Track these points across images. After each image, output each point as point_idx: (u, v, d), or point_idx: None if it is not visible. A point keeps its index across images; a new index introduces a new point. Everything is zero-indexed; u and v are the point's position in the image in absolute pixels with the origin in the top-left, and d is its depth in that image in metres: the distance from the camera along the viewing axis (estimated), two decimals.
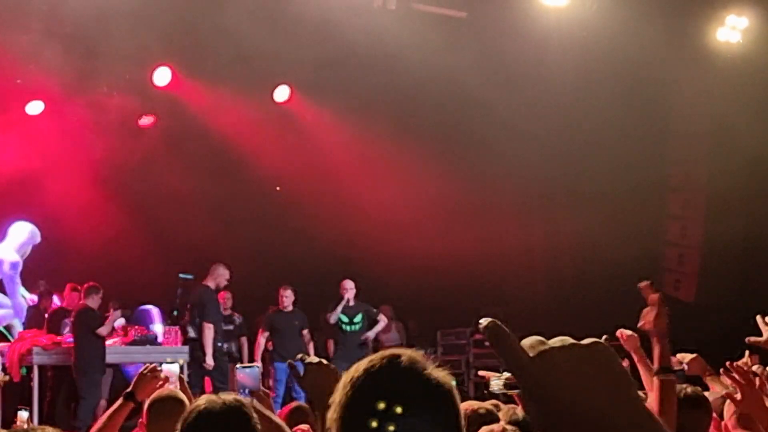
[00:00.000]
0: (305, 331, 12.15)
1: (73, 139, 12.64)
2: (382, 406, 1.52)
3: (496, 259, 14.42)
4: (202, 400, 3.15)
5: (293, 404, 5.64)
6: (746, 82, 12.92)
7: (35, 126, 12.66)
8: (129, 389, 4.28)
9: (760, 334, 4.15)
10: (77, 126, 12.60)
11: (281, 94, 13.86)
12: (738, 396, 3.64)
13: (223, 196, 13.76)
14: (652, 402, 3.36)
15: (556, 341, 1.17)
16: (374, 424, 1.51)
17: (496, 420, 4.23)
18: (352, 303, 12.29)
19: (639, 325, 3.43)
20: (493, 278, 14.55)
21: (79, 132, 12.65)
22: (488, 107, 12.64)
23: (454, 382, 1.63)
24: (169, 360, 4.92)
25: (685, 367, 5.07)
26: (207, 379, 11.40)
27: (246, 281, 12.29)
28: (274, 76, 13.42)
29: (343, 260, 13.52)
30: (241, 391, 3.76)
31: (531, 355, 1.15)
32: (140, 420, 4.25)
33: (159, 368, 4.39)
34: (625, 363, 5.08)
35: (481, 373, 5.99)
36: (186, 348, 11.52)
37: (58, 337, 11.26)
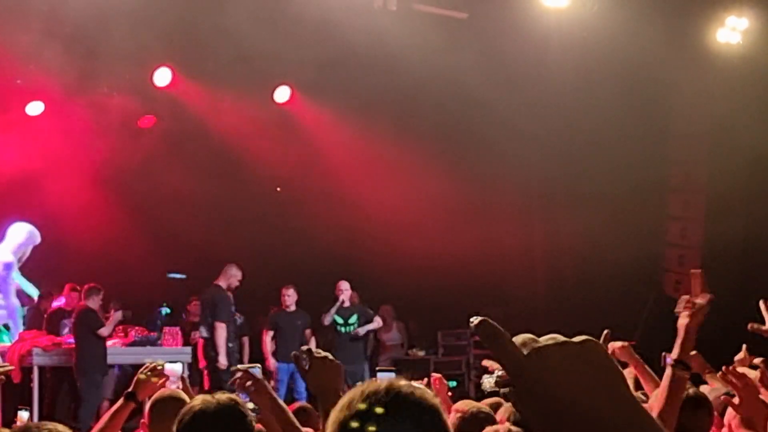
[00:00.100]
0: (308, 331, 12.16)
1: (73, 140, 12.63)
2: (362, 407, 1.52)
3: (496, 259, 14.41)
4: (197, 401, 3.15)
5: (296, 405, 5.62)
6: (746, 83, 12.92)
7: (35, 126, 12.66)
8: (129, 389, 4.29)
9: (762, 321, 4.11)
10: (77, 126, 12.59)
11: (282, 94, 13.87)
12: (736, 401, 3.64)
13: (223, 196, 13.75)
14: (657, 393, 3.36)
15: (547, 338, 1.17)
16: (354, 424, 1.51)
17: (493, 422, 4.23)
18: (347, 304, 12.29)
19: (675, 310, 3.40)
20: (493, 278, 14.54)
21: (80, 132, 12.64)
22: (489, 107, 12.64)
23: (437, 403, 1.61)
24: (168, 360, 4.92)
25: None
26: (206, 377, 11.42)
27: (246, 281, 12.27)
28: (275, 76, 13.42)
29: (343, 260, 13.52)
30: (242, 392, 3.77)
31: (525, 352, 1.15)
32: (142, 420, 4.26)
33: (159, 366, 4.39)
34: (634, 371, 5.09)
35: (485, 362, 5.98)
36: (188, 349, 11.54)
37: (58, 338, 11.26)
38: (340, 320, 12.21)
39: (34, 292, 11.90)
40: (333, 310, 12.17)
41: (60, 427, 3.08)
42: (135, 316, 12.45)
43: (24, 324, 11.63)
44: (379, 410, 1.52)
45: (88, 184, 12.95)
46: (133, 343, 11.54)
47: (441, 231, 14.10)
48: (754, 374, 3.92)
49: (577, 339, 1.17)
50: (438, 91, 12.89)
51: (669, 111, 14.69)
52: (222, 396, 3.18)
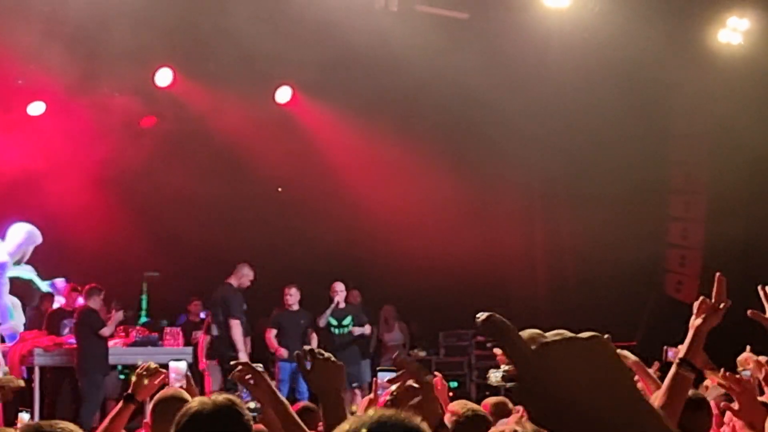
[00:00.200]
0: (311, 331, 12.17)
1: (74, 140, 12.64)
2: (346, 427, 1.60)
3: (497, 259, 14.42)
4: (194, 402, 3.15)
5: (301, 404, 5.63)
6: (747, 83, 12.92)
7: (37, 127, 12.67)
8: (129, 391, 4.29)
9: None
10: (79, 127, 12.60)
11: (283, 95, 13.87)
12: (735, 406, 3.64)
13: (224, 196, 13.76)
14: (659, 392, 3.35)
15: (554, 334, 1.17)
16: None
17: (489, 424, 4.23)
18: (342, 305, 12.30)
19: (695, 311, 3.40)
20: (494, 279, 14.54)
21: (81, 133, 12.65)
22: (490, 108, 12.64)
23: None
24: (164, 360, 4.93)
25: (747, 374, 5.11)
26: (207, 378, 11.43)
27: None
28: (276, 77, 13.43)
29: (344, 261, 13.52)
30: (244, 392, 3.77)
31: (532, 347, 1.15)
32: (144, 420, 4.26)
33: (155, 365, 4.38)
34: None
35: (495, 351, 5.97)
36: (189, 349, 11.55)
37: (59, 338, 11.27)
38: (334, 322, 12.21)
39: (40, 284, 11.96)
40: (328, 311, 12.18)
41: (71, 426, 3.08)
42: (135, 316, 12.47)
43: (25, 324, 11.64)
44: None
45: (89, 185, 12.95)
46: (135, 344, 11.55)
47: (442, 231, 14.10)
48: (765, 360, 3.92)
49: (585, 335, 1.17)
50: (439, 91, 12.88)
51: (670, 111, 14.69)
52: (219, 397, 3.18)
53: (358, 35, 11.27)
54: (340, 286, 12.32)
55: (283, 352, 11.75)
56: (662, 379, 3.93)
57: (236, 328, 11.43)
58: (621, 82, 12.88)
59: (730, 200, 13.89)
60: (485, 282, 14.09)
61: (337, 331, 12.21)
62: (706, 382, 5.47)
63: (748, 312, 3.76)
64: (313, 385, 3.04)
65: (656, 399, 3.36)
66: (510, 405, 5.86)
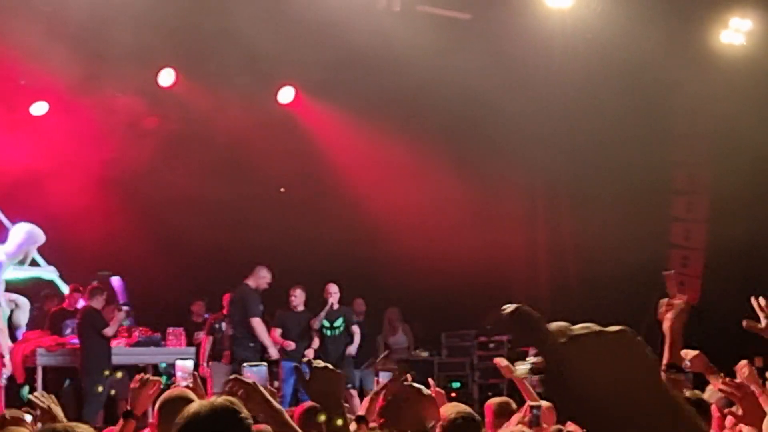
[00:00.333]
0: (314, 332, 12.17)
1: (77, 140, 12.64)
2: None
3: (500, 260, 14.40)
4: (193, 405, 3.15)
5: (306, 404, 5.62)
6: (750, 84, 12.92)
7: (40, 127, 12.68)
8: (127, 409, 4.29)
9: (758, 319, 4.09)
10: (82, 127, 12.61)
11: (286, 95, 13.87)
12: (739, 411, 3.64)
13: (227, 196, 13.75)
14: None
15: (582, 327, 1.17)
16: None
17: (478, 425, 4.23)
18: (336, 307, 12.30)
19: (659, 316, 3.39)
20: (497, 280, 14.52)
21: (84, 133, 12.66)
22: (492, 108, 12.63)
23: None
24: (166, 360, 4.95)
25: (688, 363, 5.09)
26: (209, 380, 11.42)
27: None
28: (279, 77, 13.43)
29: (347, 262, 13.51)
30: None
31: (561, 340, 1.15)
32: (150, 420, 4.27)
33: (146, 375, 4.39)
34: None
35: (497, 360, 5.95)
36: (191, 350, 11.56)
37: (62, 338, 11.28)
38: (326, 324, 12.22)
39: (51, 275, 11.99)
40: (323, 313, 12.19)
41: (83, 426, 3.09)
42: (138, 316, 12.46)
43: (26, 324, 11.64)
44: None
45: (91, 185, 12.95)
46: (137, 344, 11.56)
47: (444, 232, 14.10)
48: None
49: (613, 329, 1.17)
50: (441, 92, 12.88)
51: (672, 112, 14.68)
52: (218, 398, 3.17)
53: (360, 35, 11.27)
54: (333, 288, 12.33)
55: (291, 344, 11.80)
56: None
57: (259, 326, 11.54)
58: (623, 82, 12.88)
59: (732, 201, 13.88)
60: (487, 282, 14.08)
61: (328, 332, 12.21)
62: (710, 386, 5.47)
63: (744, 323, 3.76)
64: (312, 395, 3.03)
65: None
66: (513, 405, 5.86)
